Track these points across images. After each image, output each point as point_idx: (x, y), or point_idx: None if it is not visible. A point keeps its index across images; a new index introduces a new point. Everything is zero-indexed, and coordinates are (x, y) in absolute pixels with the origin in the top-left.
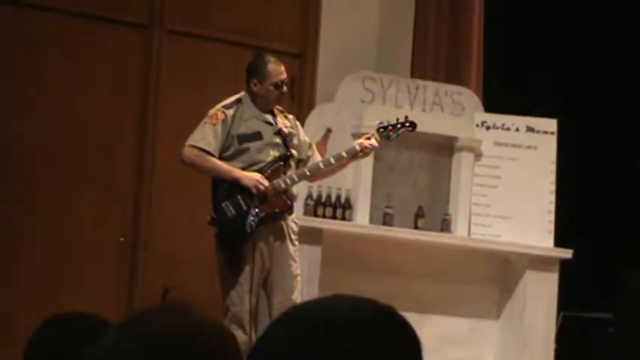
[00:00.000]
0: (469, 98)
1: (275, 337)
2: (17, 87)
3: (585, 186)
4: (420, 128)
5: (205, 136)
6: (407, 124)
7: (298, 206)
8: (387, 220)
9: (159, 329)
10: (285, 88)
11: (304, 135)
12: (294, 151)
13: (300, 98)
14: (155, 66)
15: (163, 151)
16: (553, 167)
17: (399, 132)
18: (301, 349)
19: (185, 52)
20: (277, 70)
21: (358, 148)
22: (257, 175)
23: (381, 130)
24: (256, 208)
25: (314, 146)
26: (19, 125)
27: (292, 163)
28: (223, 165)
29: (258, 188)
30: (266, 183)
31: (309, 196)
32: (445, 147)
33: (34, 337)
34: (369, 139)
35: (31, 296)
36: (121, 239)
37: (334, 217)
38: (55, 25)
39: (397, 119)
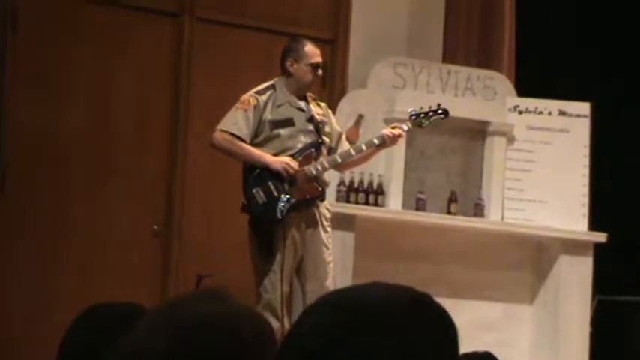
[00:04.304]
0: (501, 83)
1: (309, 322)
2: (49, 77)
3: (620, 168)
4: (452, 113)
5: (236, 122)
6: (439, 111)
7: (331, 192)
8: (419, 206)
9: (195, 315)
10: (320, 72)
11: (336, 124)
12: (325, 139)
13: (331, 84)
14: (186, 54)
15: (195, 140)
16: (586, 151)
17: (432, 119)
18: (336, 334)
19: (216, 40)
20: (314, 51)
21: (386, 136)
22: (286, 158)
23: (413, 117)
24: (287, 194)
25: (343, 137)
26: (51, 115)
27: (324, 151)
28: (253, 150)
29: (287, 171)
30: (295, 165)
31: (342, 183)
32: (477, 132)
33: (70, 329)
34: (395, 128)
35: (66, 285)
36: (155, 227)
37: (367, 203)
38: (87, 13)
39: (430, 106)
